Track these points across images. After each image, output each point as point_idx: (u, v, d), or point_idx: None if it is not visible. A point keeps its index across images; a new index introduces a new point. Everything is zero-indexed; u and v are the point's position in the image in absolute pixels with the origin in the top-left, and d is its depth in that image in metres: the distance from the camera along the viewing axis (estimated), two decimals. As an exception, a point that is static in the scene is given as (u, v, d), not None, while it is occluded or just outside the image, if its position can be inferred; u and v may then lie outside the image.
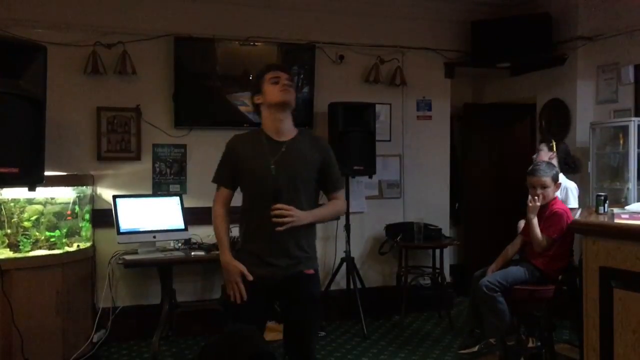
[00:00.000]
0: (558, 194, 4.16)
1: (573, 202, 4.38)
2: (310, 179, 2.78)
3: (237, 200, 2.86)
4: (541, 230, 3.90)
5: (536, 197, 3.92)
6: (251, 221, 2.77)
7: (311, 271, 2.79)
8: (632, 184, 4.83)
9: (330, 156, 2.87)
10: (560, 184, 4.05)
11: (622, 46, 5.14)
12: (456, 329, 5.23)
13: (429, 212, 5.76)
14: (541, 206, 3.97)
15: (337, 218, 2.93)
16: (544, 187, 3.94)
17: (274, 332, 4.83)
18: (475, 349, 4.30)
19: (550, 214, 3.92)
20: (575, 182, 4.74)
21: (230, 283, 2.71)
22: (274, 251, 2.71)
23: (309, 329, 2.86)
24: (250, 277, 2.68)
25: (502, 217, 5.41)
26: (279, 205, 2.64)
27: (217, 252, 4.63)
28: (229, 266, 2.73)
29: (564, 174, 4.54)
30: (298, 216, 2.67)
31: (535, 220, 3.91)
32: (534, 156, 4.61)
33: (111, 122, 4.91)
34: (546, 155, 4.52)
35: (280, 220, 2.63)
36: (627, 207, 3.44)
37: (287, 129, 2.80)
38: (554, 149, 4.54)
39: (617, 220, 2.99)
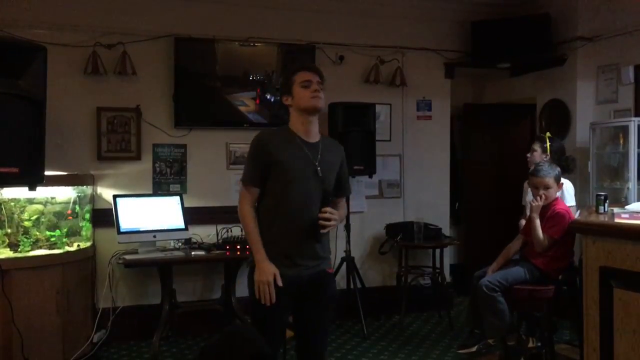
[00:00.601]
0: (558, 193, 4.17)
1: (570, 200, 4.37)
2: (333, 182, 2.83)
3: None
4: (543, 230, 3.90)
5: (539, 197, 3.92)
6: (283, 221, 2.70)
7: (331, 270, 2.86)
8: (632, 184, 4.83)
9: (344, 160, 2.91)
10: (562, 184, 4.05)
11: (622, 46, 5.15)
12: (456, 329, 5.23)
13: (429, 212, 5.76)
14: (543, 206, 3.97)
15: None
16: (547, 187, 3.94)
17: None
18: (474, 349, 4.30)
19: (552, 214, 3.92)
20: (575, 182, 4.74)
21: (262, 284, 2.63)
22: (305, 252, 2.71)
23: (326, 326, 2.91)
24: (281, 283, 2.63)
25: (502, 216, 5.42)
26: (328, 209, 2.66)
27: (217, 252, 4.69)
28: (265, 266, 2.64)
29: None
30: (338, 219, 2.73)
31: (537, 220, 3.92)
32: (528, 155, 4.60)
33: (111, 122, 4.92)
34: (540, 157, 4.50)
35: (327, 223, 2.65)
36: (627, 207, 3.43)
37: (315, 131, 2.79)
38: (548, 150, 4.49)
39: (617, 220, 2.99)
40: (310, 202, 2.68)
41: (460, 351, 4.43)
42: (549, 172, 3.97)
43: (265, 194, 2.74)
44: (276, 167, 2.69)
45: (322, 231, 2.66)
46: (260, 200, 2.76)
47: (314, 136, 2.78)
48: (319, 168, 2.71)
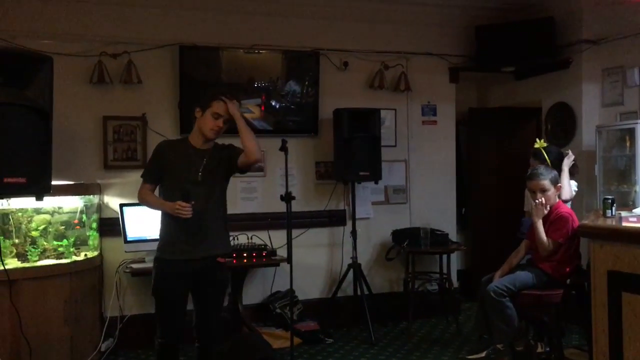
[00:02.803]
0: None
1: (569, 190, 4.34)
2: (219, 180, 3.35)
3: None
4: (547, 234, 3.88)
5: (541, 201, 3.89)
6: (171, 217, 3.24)
7: (223, 260, 3.38)
8: (639, 187, 4.80)
9: (232, 148, 3.40)
10: (560, 186, 4.03)
11: (627, 49, 5.13)
12: (464, 335, 5.21)
13: (435, 217, 5.74)
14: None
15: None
16: (544, 190, 3.92)
17: (280, 340, 4.84)
18: (483, 354, 4.28)
19: (555, 217, 3.90)
20: (582, 186, 4.71)
21: (175, 208, 3.16)
22: (192, 243, 3.27)
23: (218, 306, 3.47)
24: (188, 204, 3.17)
25: (509, 221, 5.38)
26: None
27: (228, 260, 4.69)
28: (169, 203, 3.22)
29: None
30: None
31: (540, 224, 3.90)
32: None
33: (117, 131, 4.94)
34: None
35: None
36: (634, 210, 3.42)
37: (209, 144, 3.35)
38: (549, 163, 4.40)
39: (624, 224, 2.98)
40: (191, 200, 3.16)
41: (469, 357, 4.41)
42: (544, 174, 3.95)
43: (162, 194, 3.34)
44: (167, 170, 3.28)
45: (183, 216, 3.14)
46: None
47: (207, 145, 3.33)
48: (200, 173, 3.25)
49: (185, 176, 3.25)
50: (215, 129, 3.27)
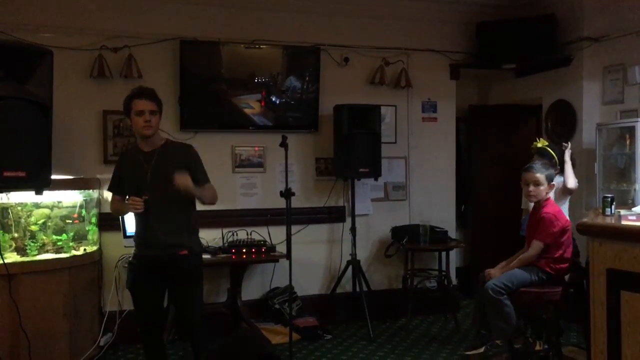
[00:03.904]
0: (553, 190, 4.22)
1: (574, 180, 4.43)
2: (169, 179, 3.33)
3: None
4: (533, 234, 3.92)
5: (531, 193, 3.95)
6: (134, 216, 3.48)
7: (184, 252, 3.44)
8: (639, 185, 4.80)
9: (193, 158, 3.48)
10: (553, 184, 4.04)
11: (628, 47, 5.12)
12: (463, 332, 5.22)
13: (435, 214, 5.74)
14: (535, 207, 4.00)
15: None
16: (537, 184, 3.95)
17: (279, 335, 4.85)
18: (482, 350, 4.29)
19: (539, 218, 3.94)
20: (582, 184, 4.72)
21: (128, 205, 3.37)
22: (151, 239, 3.42)
23: (191, 297, 3.54)
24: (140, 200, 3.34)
25: (509, 218, 5.39)
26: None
27: (223, 256, 4.71)
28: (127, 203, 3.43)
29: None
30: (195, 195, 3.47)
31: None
32: None
33: (117, 126, 4.93)
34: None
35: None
36: (634, 209, 3.42)
37: (154, 143, 3.42)
38: (557, 161, 4.47)
39: (624, 222, 2.98)
40: (143, 195, 3.31)
41: (467, 353, 4.42)
42: (541, 169, 3.98)
43: None
44: (124, 178, 3.47)
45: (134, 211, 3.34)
46: None
47: (152, 146, 3.40)
48: (148, 174, 3.35)
49: (136, 179, 3.41)
50: (145, 125, 3.33)
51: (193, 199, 3.47)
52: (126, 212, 3.58)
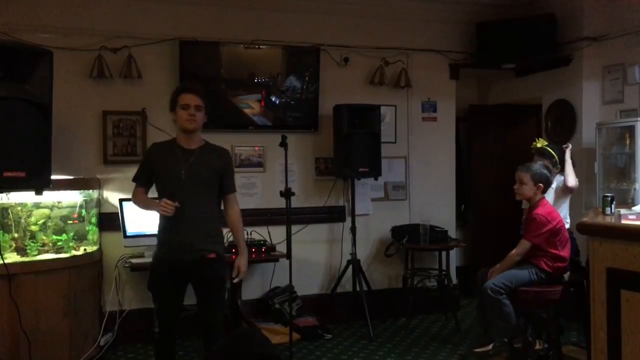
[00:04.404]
0: (554, 187, 4.31)
1: (574, 178, 4.45)
2: (207, 180, 3.38)
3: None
4: (524, 234, 3.99)
5: (517, 191, 4.08)
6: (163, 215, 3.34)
7: (213, 255, 3.41)
8: (639, 185, 4.80)
9: (228, 164, 3.50)
10: (541, 186, 4.04)
11: (627, 46, 5.12)
12: (463, 331, 5.22)
13: (434, 214, 5.74)
14: (530, 206, 4.04)
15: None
16: (521, 182, 4.04)
17: (279, 335, 4.85)
18: (490, 347, 4.30)
19: (530, 218, 3.97)
20: (582, 183, 4.73)
21: (160, 206, 3.26)
22: (182, 241, 3.33)
23: (216, 300, 3.50)
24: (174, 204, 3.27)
25: (509, 218, 5.39)
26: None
27: (227, 255, 4.70)
28: (155, 202, 3.35)
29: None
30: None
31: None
32: None
33: (117, 126, 4.93)
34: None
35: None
36: (634, 208, 3.43)
37: (195, 140, 3.40)
38: (558, 160, 4.51)
39: (624, 221, 2.98)
40: (180, 198, 3.26)
41: (476, 350, 4.42)
42: (530, 169, 4.04)
43: (158, 194, 3.40)
44: (155, 172, 3.38)
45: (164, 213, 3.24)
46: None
47: (194, 144, 3.38)
48: (183, 172, 3.30)
49: (169, 175, 3.34)
50: (189, 118, 3.31)
51: (219, 201, 3.48)
52: (151, 210, 3.44)
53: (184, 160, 3.33)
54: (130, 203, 4.58)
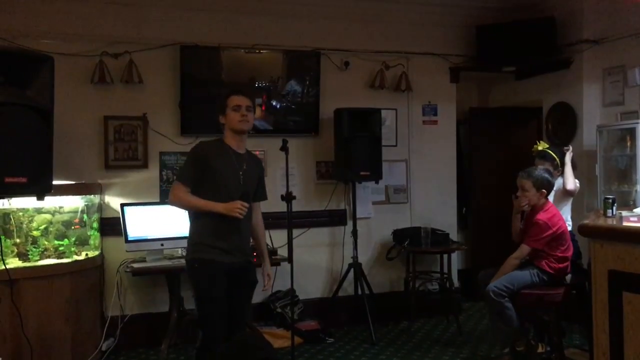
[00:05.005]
0: (554, 190, 4.30)
1: (573, 181, 4.44)
2: (254, 186, 3.46)
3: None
4: (524, 237, 4.00)
5: (521, 199, 4.06)
6: (213, 218, 3.24)
7: (255, 260, 3.54)
8: (640, 187, 4.81)
9: (262, 172, 3.58)
10: (544, 192, 4.04)
11: (628, 48, 5.13)
12: (465, 334, 5.21)
13: (436, 217, 5.75)
14: (531, 210, 4.04)
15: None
16: (523, 189, 4.05)
17: (281, 339, 4.84)
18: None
19: (531, 222, 3.97)
20: (583, 185, 4.72)
21: (232, 208, 3.20)
22: (232, 244, 3.29)
23: (248, 303, 3.58)
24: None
25: (510, 221, 5.38)
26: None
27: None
28: (224, 204, 3.21)
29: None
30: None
31: (517, 218, 4.20)
32: None
33: (118, 131, 4.94)
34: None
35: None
36: (635, 210, 3.42)
37: (243, 145, 3.41)
38: (559, 163, 4.52)
39: (625, 223, 2.97)
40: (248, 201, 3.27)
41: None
42: (528, 176, 4.05)
43: (201, 196, 3.25)
44: (209, 172, 3.26)
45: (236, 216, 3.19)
46: None
47: (243, 148, 3.40)
48: (241, 175, 3.31)
49: (229, 178, 3.28)
50: (242, 119, 3.29)
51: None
52: (204, 209, 3.23)
53: (239, 164, 3.33)
54: (132, 208, 4.65)
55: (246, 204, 3.23)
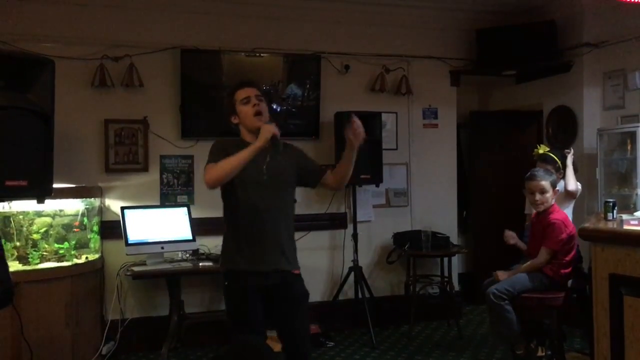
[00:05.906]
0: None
1: (574, 183, 4.44)
2: (288, 178, 3.03)
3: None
4: (540, 241, 3.91)
5: (536, 200, 3.96)
6: (242, 221, 2.93)
7: (297, 271, 3.03)
8: (640, 190, 4.80)
9: (301, 153, 3.16)
10: (557, 190, 4.04)
11: (628, 52, 5.13)
12: (465, 338, 5.20)
13: (436, 220, 5.74)
14: (540, 214, 3.99)
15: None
16: (543, 192, 3.95)
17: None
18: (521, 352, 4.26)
19: (547, 224, 3.92)
20: (583, 189, 4.72)
21: (267, 134, 2.83)
22: (266, 250, 2.92)
23: (302, 323, 3.05)
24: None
25: (510, 224, 5.37)
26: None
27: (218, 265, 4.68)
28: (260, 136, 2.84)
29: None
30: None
31: (520, 244, 4.15)
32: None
33: (119, 134, 4.94)
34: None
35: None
36: (636, 213, 3.41)
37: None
38: (561, 166, 4.52)
39: (626, 227, 2.97)
40: (261, 202, 2.89)
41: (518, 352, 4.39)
42: (545, 176, 3.99)
43: (225, 198, 2.99)
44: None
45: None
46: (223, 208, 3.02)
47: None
48: (265, 168, 2.91)
49: (249, 174, 2.86)
50: (255, 111, 2.93)
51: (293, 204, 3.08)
52: (244, 158, 2.79)
53: (261, 160, 2.90)
54: (132, 211, 4.65)
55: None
